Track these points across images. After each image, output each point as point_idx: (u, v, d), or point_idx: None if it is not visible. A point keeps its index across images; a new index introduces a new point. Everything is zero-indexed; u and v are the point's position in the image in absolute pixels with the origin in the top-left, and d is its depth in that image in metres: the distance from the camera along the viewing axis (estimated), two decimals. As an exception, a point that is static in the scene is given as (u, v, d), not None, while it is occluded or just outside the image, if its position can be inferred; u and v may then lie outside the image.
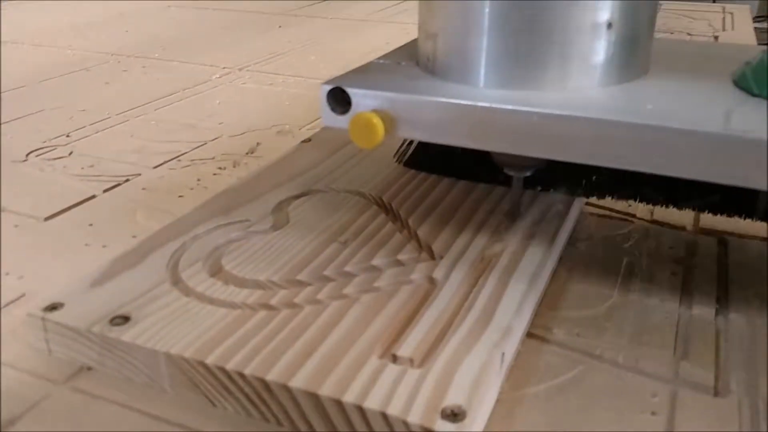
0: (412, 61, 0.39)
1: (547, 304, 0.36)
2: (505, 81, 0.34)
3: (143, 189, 0.51)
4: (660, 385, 0.31)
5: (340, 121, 0.35)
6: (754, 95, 0.33)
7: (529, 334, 0.34)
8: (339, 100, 0.35)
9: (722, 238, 0.43)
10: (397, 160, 0.48)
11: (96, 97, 0.73)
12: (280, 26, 1.05)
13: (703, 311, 0.36)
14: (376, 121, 0.33)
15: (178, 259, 0.37)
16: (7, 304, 0.37)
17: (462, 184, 0.45)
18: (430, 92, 0.34)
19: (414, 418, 0.26)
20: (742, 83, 0.34)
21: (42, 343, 0.33)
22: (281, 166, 0.49)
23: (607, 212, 0.46)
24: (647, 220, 0.45)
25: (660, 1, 0.37)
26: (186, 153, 0.58)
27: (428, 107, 0.33)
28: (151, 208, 0.48)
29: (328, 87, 0.35)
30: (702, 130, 0.29)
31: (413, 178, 0.46)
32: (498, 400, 0.30)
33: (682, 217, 0.45)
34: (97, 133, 0.63)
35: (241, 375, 0.28)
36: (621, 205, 0.47)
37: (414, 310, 0.32)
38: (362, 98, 0.34)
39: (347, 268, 0.35)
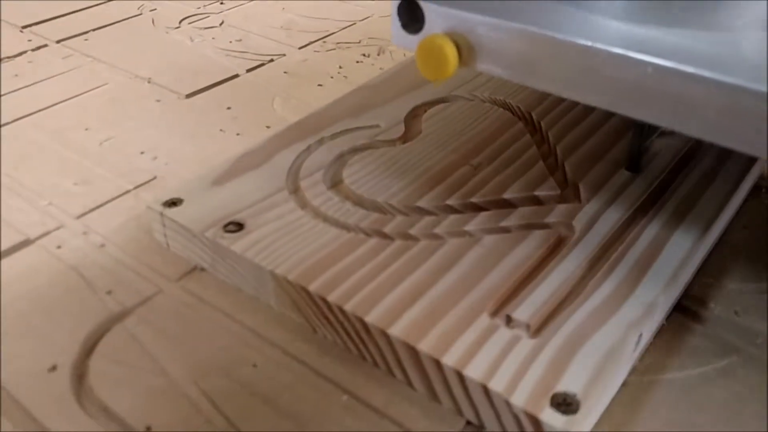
0: None
1: (707, 270, 0.31)
2: (637, 10, 0.25)
3: (285, 72, 0.49)
4: (832, 399, 0.25)
5: (411, 42, 0.28)
6: None
7: (679, 306, 0.29)
8: (413, 15, 0.28)
9: None
10: None
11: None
12: None
13: None
14: (449, 48, 0.26)
15: (301, 165, 0.35)
16: (137, 187, 0.37)
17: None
18: (523, 17, 0.26)
19: (518, 399, 0.23)
20: None
21: (161, 237, 0.33)
22: (426, 62, 0.44)
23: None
24: None
25: None
26: (333, 33, 0.54)
27: (516, 38, 0.25)
28: (289, 96, 0.46)
29: None
30: None
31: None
32: (623, 383, 0.26)
33: None
34: (251, 0, 0.61)
35: (342, 310, 0.27)
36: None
37: (541, 263, 0.28)
38: (437, 16, 0.27)
39: (474, 199, 0.32)
